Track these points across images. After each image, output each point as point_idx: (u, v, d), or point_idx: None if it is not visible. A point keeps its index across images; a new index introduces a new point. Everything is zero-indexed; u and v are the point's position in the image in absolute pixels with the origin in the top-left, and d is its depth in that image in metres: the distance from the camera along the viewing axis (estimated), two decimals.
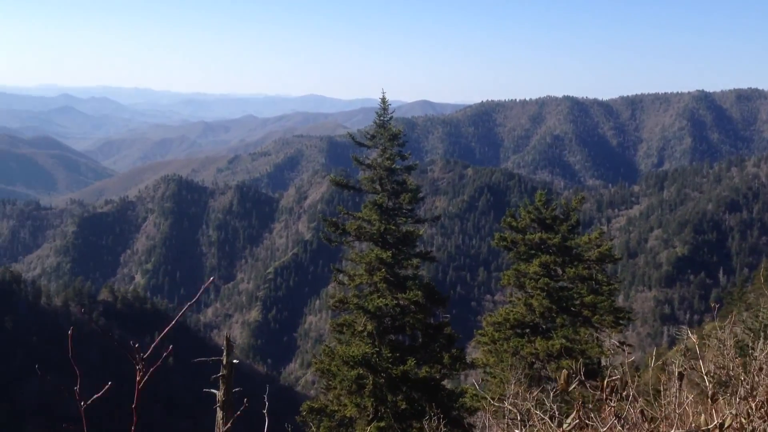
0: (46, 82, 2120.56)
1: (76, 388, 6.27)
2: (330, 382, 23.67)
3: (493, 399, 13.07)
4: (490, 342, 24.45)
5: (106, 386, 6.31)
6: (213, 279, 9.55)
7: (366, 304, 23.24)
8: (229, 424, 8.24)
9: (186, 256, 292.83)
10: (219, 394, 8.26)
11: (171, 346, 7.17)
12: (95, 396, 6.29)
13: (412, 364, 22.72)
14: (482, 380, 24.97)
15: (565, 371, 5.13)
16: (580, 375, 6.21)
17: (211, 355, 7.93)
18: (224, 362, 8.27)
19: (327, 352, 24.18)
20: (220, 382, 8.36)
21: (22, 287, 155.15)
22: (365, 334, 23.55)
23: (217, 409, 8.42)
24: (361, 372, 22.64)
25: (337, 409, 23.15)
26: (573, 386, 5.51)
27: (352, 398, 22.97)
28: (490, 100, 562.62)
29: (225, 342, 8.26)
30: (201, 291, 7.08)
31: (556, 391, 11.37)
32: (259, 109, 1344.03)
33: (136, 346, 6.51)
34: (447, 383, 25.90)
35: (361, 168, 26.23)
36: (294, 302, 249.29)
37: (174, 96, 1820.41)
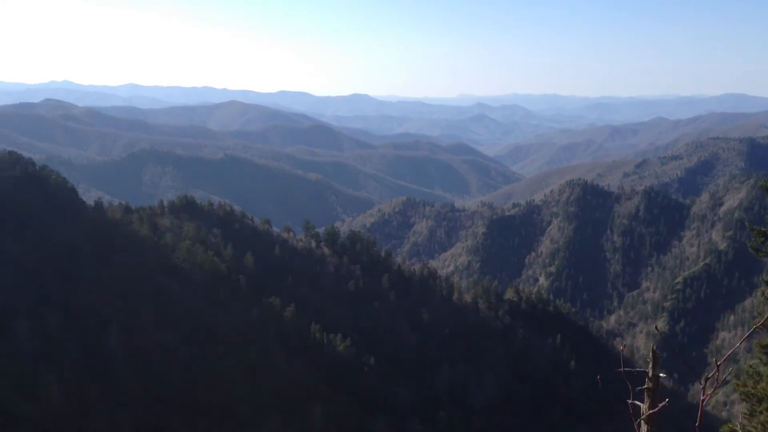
0: (464, 93, 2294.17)
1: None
2: (755, 407, 21.48)
3: None
4: None
5: (662, 404, 6.40)
6: None
7: None
8: None
9: (589, 261, 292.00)
10: (644, 407, 7.96)
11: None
12: (652, 411, 6.36)
13: None
14: None
15: None
16: None
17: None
18: (650, 375, 7.94)
19: (752, 374, 21.97)
20: (645, 394, 8.07)
21: (437, 282, 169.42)
22: None
23: (641, 422, 8.14)
24: None
25: None
26: None
27: None
28: None
29: (651, 354, 7.97)
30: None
31: None
32: (670, 110, 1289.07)
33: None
34: None
35: None
36: (704, 316, 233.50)
37: (580, 101, 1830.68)
